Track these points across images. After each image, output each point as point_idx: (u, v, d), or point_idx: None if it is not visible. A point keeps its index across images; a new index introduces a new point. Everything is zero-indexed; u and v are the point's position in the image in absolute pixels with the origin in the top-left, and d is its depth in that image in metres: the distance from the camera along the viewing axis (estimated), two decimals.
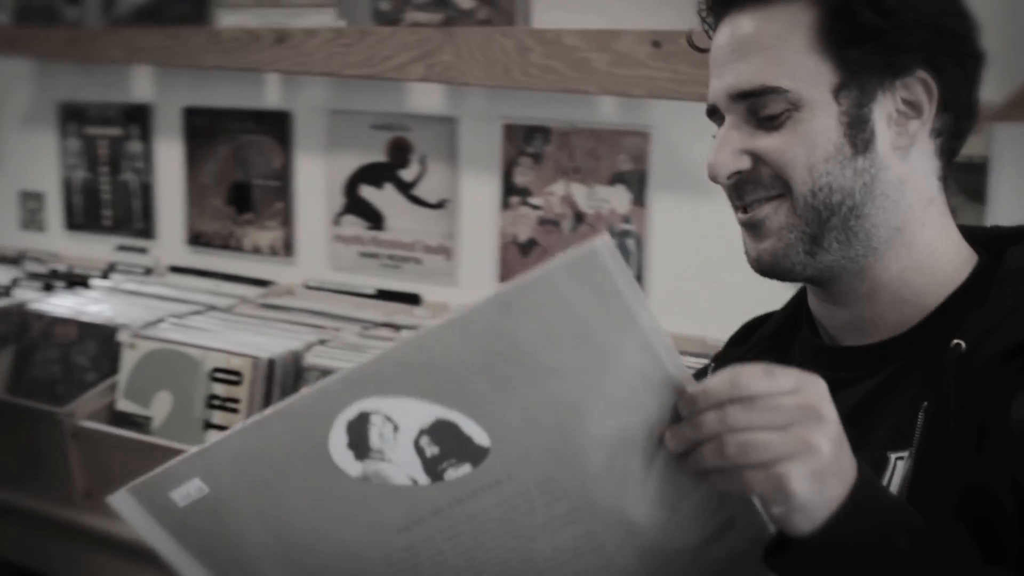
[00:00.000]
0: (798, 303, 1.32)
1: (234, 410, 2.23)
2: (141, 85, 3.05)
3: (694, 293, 2.32)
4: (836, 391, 0.93)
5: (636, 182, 2.34)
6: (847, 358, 1.21)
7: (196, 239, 2.97)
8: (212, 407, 2.26)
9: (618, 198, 2.37)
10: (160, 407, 2.31)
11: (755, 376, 0.88)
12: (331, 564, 0.95)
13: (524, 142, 2.46)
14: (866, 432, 1.12)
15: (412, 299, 2.63)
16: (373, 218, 2.68)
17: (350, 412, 0.87)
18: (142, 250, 3.06)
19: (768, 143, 1.13)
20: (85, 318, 2.50)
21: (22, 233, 3.34)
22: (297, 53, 2.54)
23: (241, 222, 2.89)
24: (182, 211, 2.99)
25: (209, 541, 0.96)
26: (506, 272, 2.51)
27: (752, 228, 1.17)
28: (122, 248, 3.08)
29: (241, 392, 2.23)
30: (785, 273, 1.18)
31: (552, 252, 2.43)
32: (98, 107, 3.10)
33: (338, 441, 0.88)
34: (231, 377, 2.25)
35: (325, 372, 2.23)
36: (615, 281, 0.82)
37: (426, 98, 2.59)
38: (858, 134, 1.13)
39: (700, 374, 1.32)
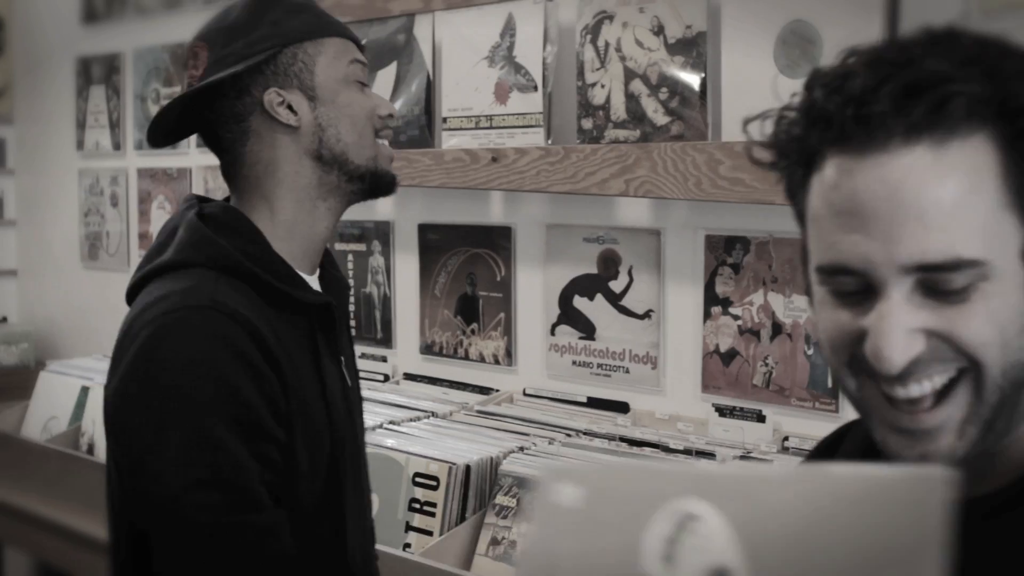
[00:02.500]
0: None
1: (431, 514, 2.33)
2: (383, 203, 3.25)
3: None
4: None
5: None
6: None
7: (429, 348, 3.12)
8: (413, 510, 2.36)
9: None
10: None
11: None
12: None
13: (725, 252, 2.48)
14: None
15: (621, 407, 2.67)
16: (585, 328, 2.75)
17: (679, 505, 0.82)
18: (382, 359, 3.24)
19: (952, 321, 0.92)
20: None
21: None
22: (510, 172, 2.67)
23: (468, 332, 3.02)
24: (417, 322, 3.15)
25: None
26: (708, 381, 2.52)
27: (927, 433, 0.94)
28: (364, 356, 3.27)
29: (438, 496, 2.33)
30: (944, 462, 0.95)
31: (752, 362, 2.43)
32: (345, 224, 3.32)
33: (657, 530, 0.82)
34: (429, 482, 2.35)
35: (519, 479, 2.30)
36: (936, 526, 0.74)
37: (632, 211, 2.66)
38: None
39: None
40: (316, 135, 1.66)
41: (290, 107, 1.65)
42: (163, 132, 1.72)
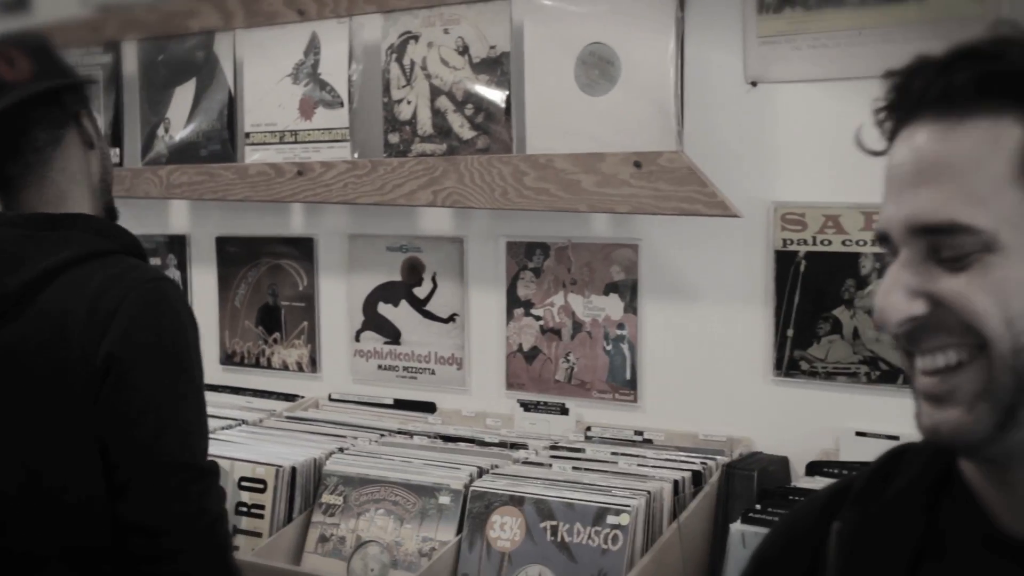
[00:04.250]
0: (947, 461, 1.10)
1: (259, 515, 2.41)
2: (178, 217, 3.29)
3: (684, 392, 2.48)
4: None
5: (628, 290, 2.52)
6: None
7: (229, 359, 3.18)
8: (240, 514, 2.43)
9: (612, 306, 2.55)
10: None
11: None
12: None
13: (525, 257, 2.65)
14: None
15: (428, 407, 2.81)
16: (390, 333, 2.88)
17: None
18: None
19: (950, 286, 0.95)
20: None
21: None
22: (316, 185, 2.77)
23: (270, 341, 3.10)
24: (216, 333, 3.20)
25: None
26: (512, 379, 2.69)
27: (936, 398, 0.98)
28: None
29: (266, 499, 2.41)
30: (964, 450, 1.01)
31: (554, 360, 2.61)
32: (139, 238, 3.32)
33: None
34: (256, 485, 2.43)
35: (344, 478, 2.41)
36: None
37: (435, 220, 2.80)
38: None
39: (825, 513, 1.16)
40: (102, 162, 1.94)
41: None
42: None
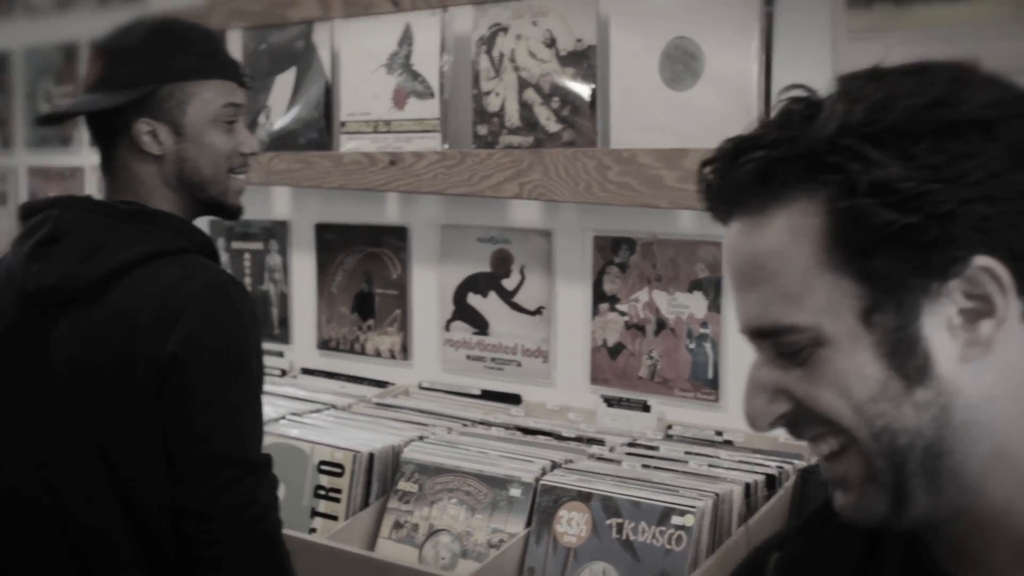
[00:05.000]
0: None
1: (336, 499, 2.45)
2: (280, 204, 3.35)
3: None
4: None
5: (712, 289, 2.49)
6: None
7: (325, 344, 3.23)
8: (318, 496, 2.48)
9: (696, 304, 2.52)
10: None
11: None
12: None
13: (612, 252, 2.64)
14: None
15: (513, 399, 2.81)
16: (479, 324, 2.90)
17: None
18: (279, 354, 3.33)
19: (798, 383, 0.93)
20: None
21: None
22: (407, 174, 2.79)
23: (364, 328, 3.14)
24: (314, 318, 3.26)
25: None
26: (597, 374, 2.68)
27: (835, 483, 0.97)
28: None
29: (343, 483, 2.45)
30: (876, 527, 0.98)
31: (638, 356, 2.60)
32: (242, 224, 3.41)
33: None
34: (335, 469, 2.47)
35: (420, 466, 2.43)
36: None
37: (525, 213, 2.81)
38: (907, 362, 0.88)
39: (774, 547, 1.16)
40: (177, 165, 1.93)
41: (156, 136, 1.90)
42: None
